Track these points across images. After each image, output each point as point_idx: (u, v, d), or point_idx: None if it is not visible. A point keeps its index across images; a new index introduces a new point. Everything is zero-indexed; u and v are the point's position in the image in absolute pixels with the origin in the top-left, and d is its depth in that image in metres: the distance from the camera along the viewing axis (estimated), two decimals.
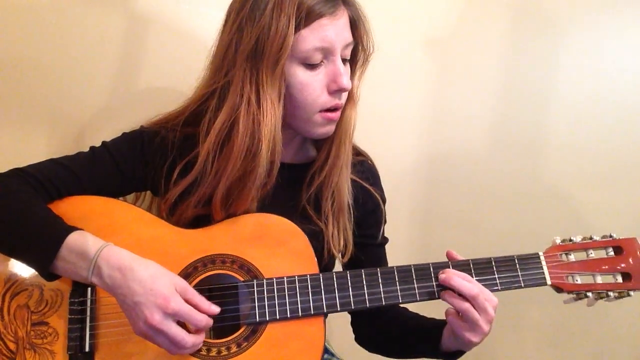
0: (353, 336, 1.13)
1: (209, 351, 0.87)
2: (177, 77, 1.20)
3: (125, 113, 1.20)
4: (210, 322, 0.83)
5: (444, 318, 0.94)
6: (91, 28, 1.17)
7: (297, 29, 0.86)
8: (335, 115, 0.95)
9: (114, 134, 0.99)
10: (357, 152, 1.10)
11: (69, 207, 0.90)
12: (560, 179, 1.53)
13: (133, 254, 0.82)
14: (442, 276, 0.90)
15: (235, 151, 0.89)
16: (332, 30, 0.88)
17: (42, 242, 0.82)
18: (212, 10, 1.23)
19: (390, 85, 1.40)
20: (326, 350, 1.10)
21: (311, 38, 0.87)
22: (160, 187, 0.97)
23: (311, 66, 0.90)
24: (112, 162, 0.95)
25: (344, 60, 0.93)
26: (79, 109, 1.20)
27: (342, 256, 1.03)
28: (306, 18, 0.86)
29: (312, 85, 0.91)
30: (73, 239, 0.82)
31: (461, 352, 0.97)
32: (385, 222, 1.11)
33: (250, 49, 0.87)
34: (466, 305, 0.87)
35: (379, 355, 1.12)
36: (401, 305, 0.99)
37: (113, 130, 1.00)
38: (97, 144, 0.99)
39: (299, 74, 0.90)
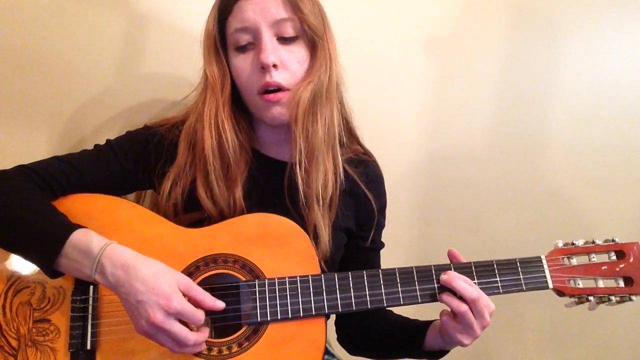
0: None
1: (210, 350, 0.87)
2: (177, 77, 1.21)
3: (124, 112, 1.20)
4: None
5: (432, 319, 0.96)
6: (91, 28, 1.17)
7: (222, 18, 0.93)
8: (274, 96, 0.91)
9: (111, 133, 1.00)
10: (363, 151, 1.09)
11: (73, 205, 0.91)
12: (560, 179, 1.53)
13: (137, 253, 0.82)
14: (444, 277, 0.90)
15: (198, 144, 0.94)
16: (251, 10, 0.90)
17: (46, 240, 0.83)
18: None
19: (390, 84, 1.39)
20: (326, 351, 1.10)
21: (233, 22, 0.92)
22: (156, 187, 0.98)
23: (241, 49, 0.93)
24: (115, 160, 0.96)
25: (283, 38, 0.92)
26: (79, 108, 1.20)
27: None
28: (227, 5, 0.92)
29: (243, 67, 0.94)
30: (77, 236, 0.82)
31: (444, 352, 0.98)
32: (383, 226, 1.10)
33: (205, 45, 0.96)
34: (464, 308, 0.87)
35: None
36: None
37: (111, 129, 1.01)
38: (96, 142, 0.99)
39: (234, 60, 0.94)
